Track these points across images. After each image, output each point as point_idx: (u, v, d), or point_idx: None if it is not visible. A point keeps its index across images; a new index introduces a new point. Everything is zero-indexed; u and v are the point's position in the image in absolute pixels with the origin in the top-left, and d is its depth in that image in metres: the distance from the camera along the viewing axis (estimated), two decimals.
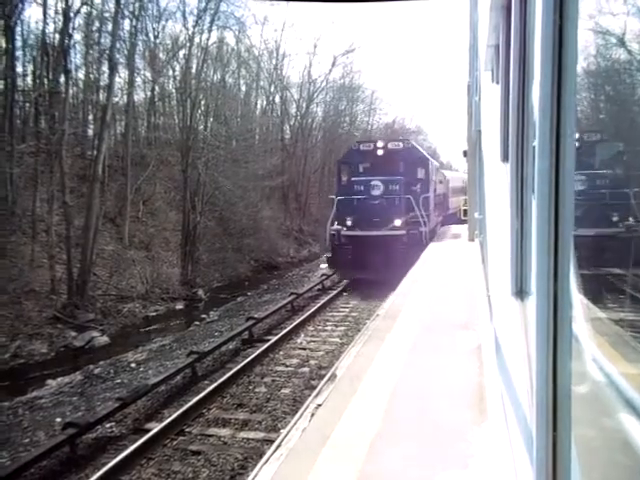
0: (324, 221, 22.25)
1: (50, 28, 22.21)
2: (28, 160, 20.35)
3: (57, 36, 21.56)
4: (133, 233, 24.11)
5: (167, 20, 34.27)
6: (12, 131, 19.92)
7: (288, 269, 28.97)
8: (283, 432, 5.03)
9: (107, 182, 23.35)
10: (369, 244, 17.99)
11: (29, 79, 23.86)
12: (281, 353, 12.18)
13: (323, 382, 5.91)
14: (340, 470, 3.83)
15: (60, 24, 21.18)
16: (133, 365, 12.80)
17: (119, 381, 11.60)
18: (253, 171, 30.48)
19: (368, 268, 17.70)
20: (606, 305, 1.61)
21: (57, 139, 19.49)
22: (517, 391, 2.01)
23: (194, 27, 27.86)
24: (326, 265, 21.94)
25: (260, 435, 8.13)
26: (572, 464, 1.18)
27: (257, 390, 9.97)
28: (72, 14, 21.33)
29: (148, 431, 8.10)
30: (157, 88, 29.94)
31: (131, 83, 25.75)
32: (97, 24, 24.31)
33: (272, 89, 39.54)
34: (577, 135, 1.84)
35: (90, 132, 25.77)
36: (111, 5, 23.15)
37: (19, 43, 22.39)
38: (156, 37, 29.35)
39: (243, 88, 37.97)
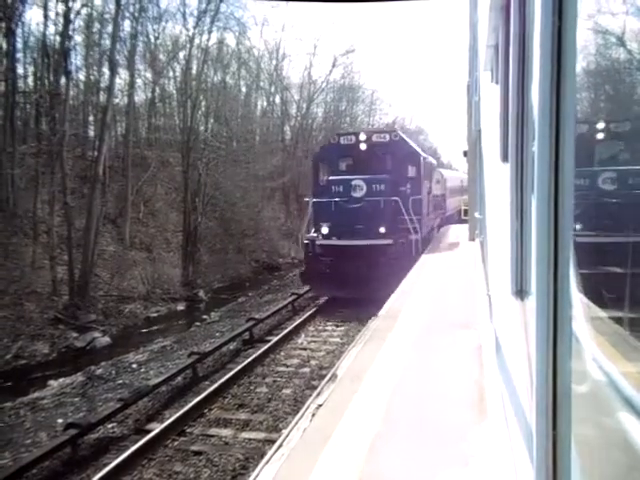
0: None
1: (51, 30, 22.33)
2: (29, 161, 20.39)
3: (57, 38, 21.62)
4: (134, 234, 24.14)
5: (167, 21, 34.45)
6: (13, 132, 19.96)
7: (289, 270, 28.98)
8: (284, 432, 5.04)
9: (108, 183, 23.39)
10: (349, 256, 15.01)
11: (30, 80, 23.98)
12: (282, 354, 12.18)
13: (324, 382, 5.90)
14: (341, 470, 3.84)
15: (60, 26, 21.24)
16: (134, 366, 12.80)
17: (120, 382, 11.60)
18: (254, 172, 30.52)
19: (348, 285, 14.66)
20: (606, 304, 1.62)
21: (58, 140, 19.52)
22: (517, 390, 2.02)
23: (194, 28, 27.91)
24: None
25: (261, 435, 8.13)
26: (572, 463, 1.19)
27: (258, 390, 9.97)
28: (72, 16, 21.38)
29: (149, 432, 8.11)
30: (157, 89, 30.01)
31: (131, 84, 25.79)
32: (97, 26, 24.40)
33: (272, 90, 39.59)
34: (603, 125, 1.84)
35: (91, 133, 25.83)
36: (111, 7, 23.21)
37: (20, 45, 22.51)
38: (156, 38, 29.45)
39: (243, 89, 38.05)
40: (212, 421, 8.77)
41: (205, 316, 19.28)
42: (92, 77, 25.55)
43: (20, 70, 22.63)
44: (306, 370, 10.97)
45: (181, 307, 21.26)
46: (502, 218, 2.71)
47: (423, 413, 4.72)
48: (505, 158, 2.54)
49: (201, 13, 27.96)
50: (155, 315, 19.94)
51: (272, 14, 47.63)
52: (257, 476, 4.00)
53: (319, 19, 76.60)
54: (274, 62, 39.19)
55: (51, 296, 18.03)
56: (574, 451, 1.19)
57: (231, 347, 12.90)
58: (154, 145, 28.55)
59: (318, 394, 5.49)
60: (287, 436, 4.62)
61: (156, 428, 8.17)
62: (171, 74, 30.31)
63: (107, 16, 23.81)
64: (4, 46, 19.88)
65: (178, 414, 8.56)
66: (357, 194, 15.50)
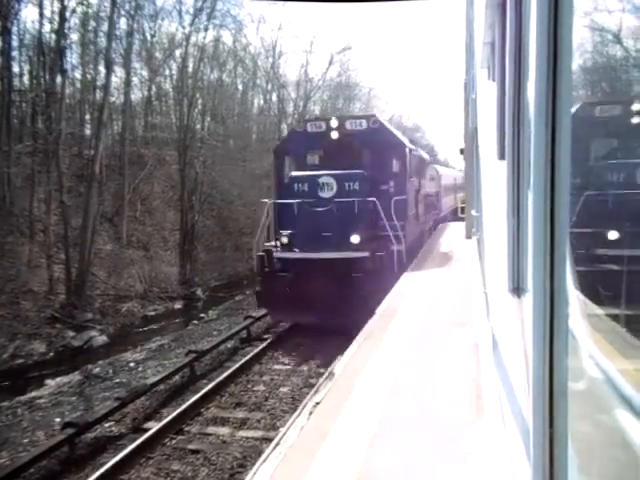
0: None
1: (46, 28, 22.23)
2: (25, 160, 20.34)
3: (53, 36, 21.56)
4: (131, 232, 24.11)
5: (163, 19, 34.23)
6: (9, 131, 19.91)
7: None
8: (282, 430, 5.04)
9: (105, 182, 23.33)
10: (314, 272, 11.91)
11: (26, 79, 23.89)
12: (280, 351, 12.18)
13: (322, 380, 5.91)
14: (339, 468, 3.84)
15: (56, 24, 21.18)
16: (132, 364, 12.80)
17: (118, 381, 11.59)
18: (250, 170, 30.49)
19: (314, 308, 11.53)
20: (603, 301, 1.62)
21: (54, 139, 19.47)
22: (514, 387, 2.02)
23: (190, 26, 27.88)
24: None
25: (259, 434, 8.13)
26: (569, 460, 1.19)
27: (255, 389, 9.97)
28: (68, 14, 21.33)
29: (147, 430, 8.11)
30: (154, 87, 29.94)
31: (128, 82, 25.74)
32: (93, 24, 24.31)
33: (269, 87, 39.53)
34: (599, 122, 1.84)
35: (87, 132, 25.78)
36: (107, 5, 23.14)
37: (15, 43, 22.45)
38: (152, 36, 29.34)
39: (240, 87, 37.98)
40: (209, 420, 8.77)
41: (203, 314, 19.29)
42: (88, 75, 25.49)
43: (16, 68, 22.60)
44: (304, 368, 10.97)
45: (178, 305, 21.25)
46: (499, 215, 2.71)
47: (420, 411, 4.72)
48: (501, 155, 2.54)
49: (197, 11, 27.96)
50: (152, 314, 19.94)
51: (269, 12, 47.56)
52: (255, 474, 4.00)
53: (316, 17, 76.55)
54: (271, 60, 39.16)
55: (48, 295, 18.00)
56: (571, 448, 1.19)
57: (229, 345, 12.90)
58: (151, 143, 28.50)
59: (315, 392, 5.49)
60: (284, 434, 4.62)
61: (154, 427, 8.17)
62: (167, 72, 30.26)
63: (103, 14, 23.77)
64: (0, 44, 19.82)
65: (175, 413, 8.56)
66: (325, 194, 12.44)
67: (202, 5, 27.61)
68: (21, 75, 23.55)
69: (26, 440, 8.72)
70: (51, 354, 15.42)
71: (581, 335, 1.41)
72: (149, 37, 29.00)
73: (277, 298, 12.46)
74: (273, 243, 13.23)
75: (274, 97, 40.48)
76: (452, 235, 20.31)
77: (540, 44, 1.16)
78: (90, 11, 23.79)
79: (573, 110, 1.62)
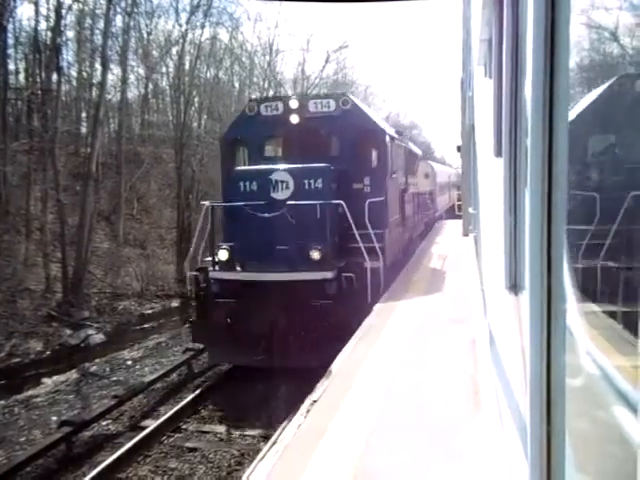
0: None
1: (42, 25, 22.15)
2: (21, 158, 20.27)
3: (49, 33, 21.49)
4: (128, 231, 24.07)
5: (160, 17, 34.17)
6: (5, 129, 19.84)
7: None
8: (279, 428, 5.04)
9: (101, 180, 23.30)
10: (263, 298, 9.06)
11: (21, 77, 23.82)
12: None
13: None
14: (336, 466, 3.84)
15: (52, 21, 21.11)
16: (129, 363, 12.79)
17: (115, 379, 11.59)
18: None
19: (260, 345, 9.00)
20: (600, 298, 1.62)
21: (50, 137, 19.41)
22: (511, 385, 2.02)
23: (187, 24, 27.78)
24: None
25: (256, 432, 8.14)
26: (566, 457, 1.19)
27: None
28: (64, 11, 21.28)
29: (144, 428, 8.11)
30: (150, 85, 29.87)
31: (124, 80, 25.65)
32: (89, 21, 24.23)
33: (266, 85, 39.44)
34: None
35: (83, 130, 25.72)
36: (103, 2, 23.05)
37: (11, 40, 22.32)
38: (149, 34, 29.26)
39: (237, 84, 37.89)
40: (207, 418, 8.77)
41: None
42: (84, 73, 25.40)
43: (11, 66, 22.52)
44: None
45: (175, 304, 21.22)
46: (495, 213, 2.72)
47: (417, 408, 4.73)
48: (499, 153, 2.54)
49: (194, 8, 27.86)
50: (149, 312, 19.91)
51: (265, 10, 47.46)
52: (252, 472, 4.00)
53: (312, 15, 76.48)
54: (267, 58, 39.09)
55: (44, 293, 17.97)
56: (568, 445, 1.19)
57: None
58: (147, 141, 28.44)
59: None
60: (282, 432, 4.62)
61: (151, 425, 8.17)
62: (164, 70, 30.16)
63: (99, 11, 23.67)
64: None
65: (173, 411, 8.56)
66: (279, 195, 9.61)
67: (199, 3, 27.52)
68: (17, 73, 23.52)
69: (22, 439, 8.71)
70: (48, 352, 15.40)
71: (578, 332, 1.41)
72: (145, 35, 28.93)
73: (215, 331, 9.53)
74: (207, 260, 10.49)
75: (271, 95, 40.45)
76: (448, 237, 18.33)
77: (537, 41, 1.16)
78: (86, 8, 23.71)
79: (607, 84, 1.61)
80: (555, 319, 1.16)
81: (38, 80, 22.27)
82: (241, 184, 9.81)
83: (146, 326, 18.12)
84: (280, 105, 11.04)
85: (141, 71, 28.77)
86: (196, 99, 29.20)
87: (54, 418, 9.34)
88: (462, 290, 8.94)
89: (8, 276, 17.35)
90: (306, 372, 7.10)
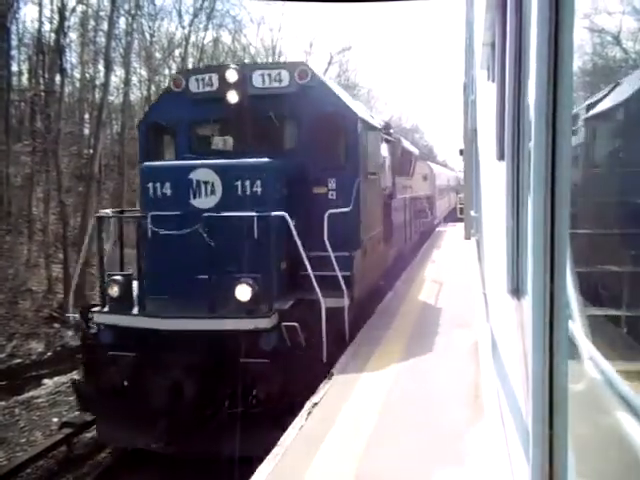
0: None
1: (46, 27, 22.21)
2: (24, 159, 20.31)
3: (53, 35, 21.53)
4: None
5: (163, 19, 34.30)
6: (8, 130, 19.87)
7: None
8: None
9: (104, 181, 23.33)
10: (168, 354, 6.39)
11: (25, 78, 23.86)
12: None
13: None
14: (337, 469, 3.84)
15: (56, 23, 21.16)
16: None
17: None
18: None
19: (159, 423, 6.29)
20: (603, 303, 1.62)
21: (53, 138, 19.45)
22: (513, 389, 2.01)
23: (190, 26, 27.86)
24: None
25: None
26: (568, 462, 1.18)
27: None
28: (68, 13, 21.32)
29: None
30: (153, 87, 29.89)
31: (127, 82, 25.70)
32: (93, 23, 24.28)
33: None
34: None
35: (86, 131, 25.73)
36: (106, 4, 23.12)
37: (14, 42, 22.38)
38: (152, 36, 29.30)
39: None
40: None
41: None
42: (87, 75, 25.46)
43: (15, 67, 22.58)
44: None
45: None
46: (498, 216, 2.71)
47: (419, 412, 4.72)
48: (501, 156, 2.54)
49: (197, 11, 27.95)
50: None
51: (268, 12, 47.60)
52: (253, 475, 3.99)
53: (315, 17, 76.63)
54: (270, 60, 39.14)
55: (46, 294, 17.98)
56: (570, 450, 1.18)
57: None
58: None
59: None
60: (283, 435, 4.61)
61: None
62: (167, 72, 30.22)
63: (102, 13, 23.74)
64: None
65: None
66: (202, 202, 6.99)
67: (202, 5, 27.62)
68: (20, 74, 23.56)
69: (23, 440, 8.71)
70: (49, 354, 15.39)
71: (581, 337, 1.41)
72: (148, 37, 28.98)
73: (105, 398, 6.69)
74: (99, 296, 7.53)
75: None
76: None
77: (541, 45, 1.15)
78: (90, 10, 23.77)
79: (611, 87, 1.61)
80: (557, 323, 1.15)
81: (41, 81, 22.31)
82: (150, 186, 7.09)
83: None
84: (215, 78, 8.19)
85: (144, 73, 28.83)
86: None
87: (55, 419, 9.35)
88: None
89: (10, 277, 17.37)
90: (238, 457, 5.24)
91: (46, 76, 22.00)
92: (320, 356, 6.39)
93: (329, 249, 7.06)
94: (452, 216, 28.25)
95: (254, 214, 6.58)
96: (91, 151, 21.86)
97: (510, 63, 2.14)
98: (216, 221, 6.50)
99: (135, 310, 6.77)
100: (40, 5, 21.64)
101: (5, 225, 18.85)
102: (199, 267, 6.49)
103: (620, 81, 1.62)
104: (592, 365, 1.33)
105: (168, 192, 7.04)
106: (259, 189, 6.96)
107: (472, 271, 6.02)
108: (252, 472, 3.92)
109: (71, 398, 10.61)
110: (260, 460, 4.12)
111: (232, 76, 7.95)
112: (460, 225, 13.04)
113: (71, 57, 25.02)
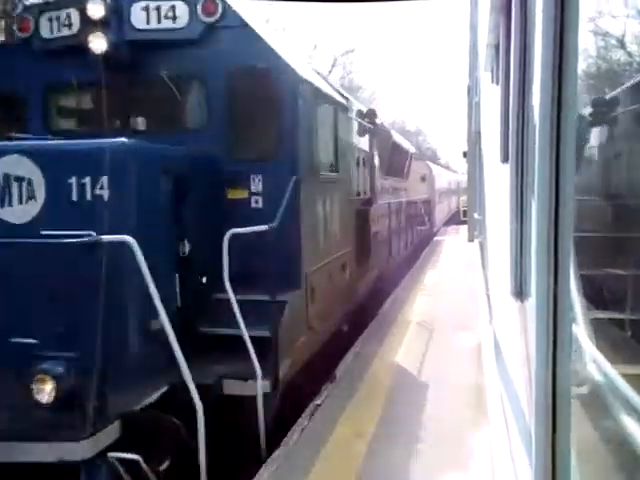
0: None
1: None
2: None
3: None
4: None
5: None
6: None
7: None
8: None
9: None
10: None
11: None
12: None
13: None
14: (339, 471, 3.83)
15: None
16: None
17: None
18: None
19: None
20: (606, 306, 1.61)
21: None
22: (517, 392, 2.01)
23: None
24: None
25: None
26: (571, 465, 1.18)
27: None
28: None
29: None
30: None
31: None
32: None
33: None
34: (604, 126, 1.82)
35: None
36: None
37: None
38: None
39: None
40: None
41: None
42: None
43: None
44: None
45: None
46: (502, 219, 2.71)
47: (422, 414, 4.72)
48: (505, 159, 2.54)
49: None
50: None
51: (272, 14, 47.65)
52: (256, 476, 3.99)
53: (319, 19, 76.69)
54: None
55: None
56: (573, 454, 1.18)
57: None
58: None
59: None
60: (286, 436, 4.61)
61: None
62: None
63: None
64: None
65: None
66: (13, 212, 4.02)
67: None
68: None
69: None
70: None
71: (584, 340, 1.40)
72: None
73: None
74: None
75: None
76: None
77: (546, 47, 1.15)
78: None
79: (616, 90, 1.60)
80: (561, 326, 1.15)
81: None
82: None
83: None
84: (75, 16, 5.43)
85: None
86: None
87: None
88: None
89: None
90: None
91: None
92: None
93: (231, 295, 4.41)
94: (455, 219, 27.64)
95: (72, 239, 3.62)
96: None
97: (514, 65, 2.14)
98: (21, 251, 3.87)
99: None
100: None
101: None
102: None
103: (624, 84, 1.62)
104: (595, 368, 1.33)
105: None
106: (105, 191, 3.96)
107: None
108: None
109: None
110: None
111: (97, 11, 5.16)
112: (463, 230, 11.92)
113: None
